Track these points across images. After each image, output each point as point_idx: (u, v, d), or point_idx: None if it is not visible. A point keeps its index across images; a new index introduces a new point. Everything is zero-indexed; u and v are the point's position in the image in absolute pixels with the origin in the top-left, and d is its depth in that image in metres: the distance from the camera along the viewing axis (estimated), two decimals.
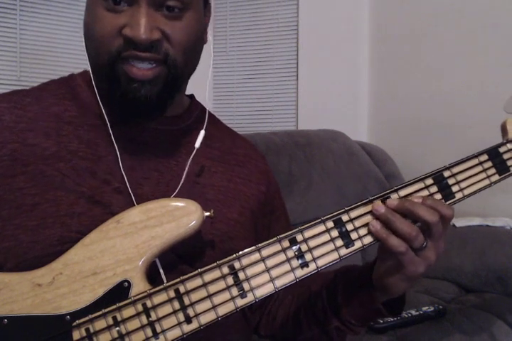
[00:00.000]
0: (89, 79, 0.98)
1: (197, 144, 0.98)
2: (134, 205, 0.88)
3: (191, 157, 0.97)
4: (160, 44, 0.89)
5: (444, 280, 2.26)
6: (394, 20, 3.05)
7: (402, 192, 0.88)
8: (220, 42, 3.40)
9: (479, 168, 0.93)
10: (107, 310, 0.77)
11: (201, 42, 0.99)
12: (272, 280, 0.81)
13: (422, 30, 2.89)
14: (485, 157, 0.94)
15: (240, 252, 0.81)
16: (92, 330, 0.76)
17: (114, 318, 0.77)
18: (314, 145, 2.56)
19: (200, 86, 1.14)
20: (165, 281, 0.80)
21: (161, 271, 0.84)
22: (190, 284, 0.79)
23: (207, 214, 0.84)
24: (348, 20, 3.19)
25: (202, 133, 0.99)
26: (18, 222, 0.85)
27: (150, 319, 0.77)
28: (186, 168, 0.96)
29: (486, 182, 0.93)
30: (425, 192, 0.89)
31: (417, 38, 2.92)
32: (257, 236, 1.04)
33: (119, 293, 0.78)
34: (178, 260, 0.89)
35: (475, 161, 0.93)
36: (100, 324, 0.77)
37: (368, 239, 0.85)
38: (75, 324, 0.76)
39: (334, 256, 0.84)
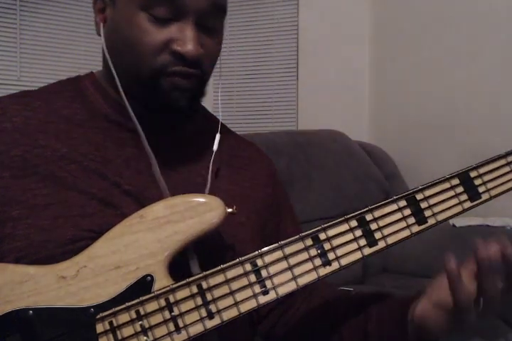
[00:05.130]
0: (96, 82, 0.99)
1: (215, 147, 1.00)
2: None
3: (211, 162, 0.99)
4: (202, 60, 0.91)
5: None
6: (394, 21, 3.07)
7: (428, 192, 0.86)
8: None
9: (507, 169, 0.91)
10: (130, 303, 0.77)
11: None
12: (294, 278, 0.81)
13: (423, 30, 2.91)
14: None
15: (263, 249, 0.81)
16: (115, 323, 0.76)
17: (137, 312, 0.77)
18: (314, 145, 2.58)
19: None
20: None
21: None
22: (213, 280, 0.79)
23: (229, 210, 0.84)
24: (348, 20, 3.20)
25: (218, 136, 1.02)
26: (30, 221, 0.85)
27: (172, 314, 0.77)
28: (210, 172, 0.98)
29: None
30: (451, 193, 0.87)
31: (417, 38, 2.94)
32: (265, 238, 1.04)
33: (142, 287, 0.78)
34: (186, 263, 0.89)
35: (502, 161, 0.91)
36: (123, 317, 0.76)
37: (392, 239, 0.84)
38: (98, 317, 0.76)
39: (357, 255, 0.83)
